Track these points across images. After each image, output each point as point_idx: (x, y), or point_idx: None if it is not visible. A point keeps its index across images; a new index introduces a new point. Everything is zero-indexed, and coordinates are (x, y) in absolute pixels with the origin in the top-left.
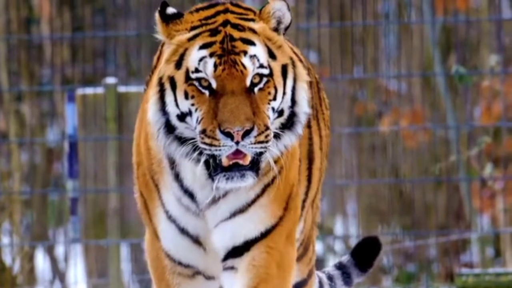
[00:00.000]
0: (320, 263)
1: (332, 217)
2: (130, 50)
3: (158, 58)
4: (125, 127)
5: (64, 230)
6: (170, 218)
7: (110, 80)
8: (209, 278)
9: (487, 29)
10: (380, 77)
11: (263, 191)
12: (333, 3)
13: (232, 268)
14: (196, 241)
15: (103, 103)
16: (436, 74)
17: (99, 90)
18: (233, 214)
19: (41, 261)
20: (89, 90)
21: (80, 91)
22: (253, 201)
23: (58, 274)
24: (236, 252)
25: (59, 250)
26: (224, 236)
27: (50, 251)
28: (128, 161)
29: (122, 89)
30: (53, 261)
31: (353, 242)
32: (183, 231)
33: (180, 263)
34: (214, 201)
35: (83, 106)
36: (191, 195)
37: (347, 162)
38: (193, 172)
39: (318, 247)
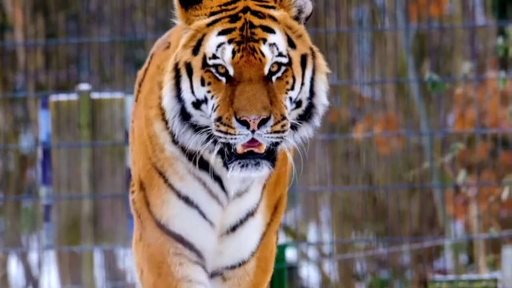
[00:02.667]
0: (294, 270)
1: (306, 223)
2: (104, 57)
3: (146, 70)
4: (98, 133)
5: (38, 236)
6: (192, 204)
7: (84, 86)
8: (205, 269)
9: (460, 36)
10: (354, 83)
11: (261, 195)
12: None
13: (221, 275)
14: (213, 226)
15: (77, 110)
16: (409, 81)
17: (73, 96)
18: (246, 217)
19: (15, 268)
20: (62, 97)
21: (53, 98)
22: (258, 205)
23: (32, 280)
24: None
25: (33, 257)
26: (235, 247)
27: (23, 257)
28: (102, 167)
29: (95, 95)
30: (27, 267)
31: (326, 249)
32: (204, 216)
33: (191, 247)
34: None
35: (57, 112)
36: (220, 183)
37: (320, 169)
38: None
39: (292, 253)
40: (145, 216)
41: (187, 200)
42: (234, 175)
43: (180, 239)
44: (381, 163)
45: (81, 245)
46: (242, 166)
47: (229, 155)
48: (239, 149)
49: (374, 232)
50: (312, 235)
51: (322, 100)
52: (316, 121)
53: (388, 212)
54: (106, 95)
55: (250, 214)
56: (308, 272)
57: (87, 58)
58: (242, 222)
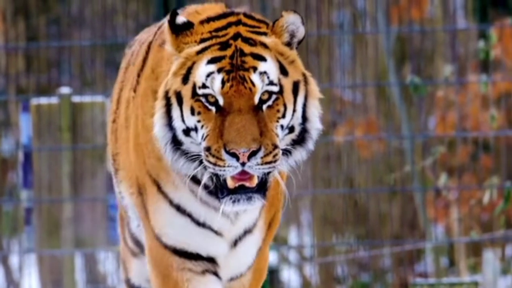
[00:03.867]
0: (274, 273)
1: (286, 227)
2: (85, 60)
3: (144, 60)
4: (79, 137)
5: (19, 240)
6: (184, 212)
7: (65, 90)
8: (218, 276)
9: (441, 39)
10: (335, 87)
11: (260, 214)
12: None
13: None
14: (215, 232)
15: (58, 113)
16: (390, 84)
17: (54, 100)
18: (244, 234)
19: None
20: (43, 100)
21: (34, 101)
22: (257, 220)
23: (12, 284)
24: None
25: (13, 260)
26: (235, 262)
27: (4, 261)
28: (83, 171)
29: (76, 99)
30: (7, 271)
31: (307, 252)
32: (199, 223)
33: (191, 257)
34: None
35: (38, 116)
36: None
37: (301, 172)
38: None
39: (272, 257)
40: (146, 223)
41: (178, 208)
42: (226, 210)
43: (180, 250)
44: (362, 167)
45: (62, 249)
46: (234, 201)
47: (220, 189)
48: (230, 184)
49: (355, 235)
50: (293, 239)
51: (315, 125)
52: (310, 144)
53: (369, 215)
54: (87, 99)
55: (248, 231)
56: (289, 276)
57: (68, 61)
58: (241, 238)
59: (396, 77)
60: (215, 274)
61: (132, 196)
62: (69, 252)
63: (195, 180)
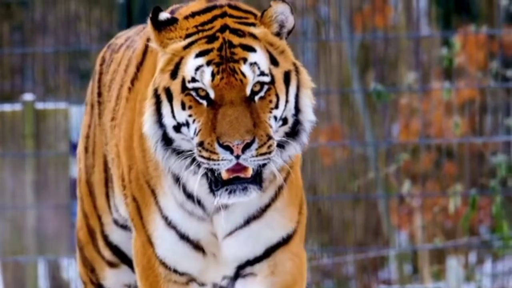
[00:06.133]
0: None
1: None
2: (48, 67)
3: (143, 58)
4: (43, 143)
5: None
6: (170, 224)
7: (28, 96)
8: (202, 285)
9: (405, 46)
10: None
11: (276, 194)
12: None
13: (250, 274)
14: (196, 246)
15: (21, 120)
16: (354, 91)
17: (17, 106)
18: (247, 221)
19: None
20: (7, 107)
21: None
22: (268, 205)
23: None
24: (255, 260)
25: None
26: (242, 246)
27: None
28: (46, 178)
29: (40, 105)
30: None
31: None
32: (183, 237)
33: (175, 271)
34: (226, 206)
35: (1, 122)
36: (196, 200)
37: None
38: (195, 178)
39: None
40: (139, 228)
41: (168, 222)
42: (222, 202)
43: (167, 264)
44: (325, 174)
45: (25, 255)
46: (230, 193)
47: (214, 181)
48: (225, 175)
49: (318, 243)
50: None
51: (308, 117)
52: (304, 138)
53: (332, 222)
54: (50, 105)
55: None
56: None
57: (31, 68)
58: (249, 222)
59: (359, 84)
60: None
61: (125, 200)
62: (32, 259)
63: (191, 196)
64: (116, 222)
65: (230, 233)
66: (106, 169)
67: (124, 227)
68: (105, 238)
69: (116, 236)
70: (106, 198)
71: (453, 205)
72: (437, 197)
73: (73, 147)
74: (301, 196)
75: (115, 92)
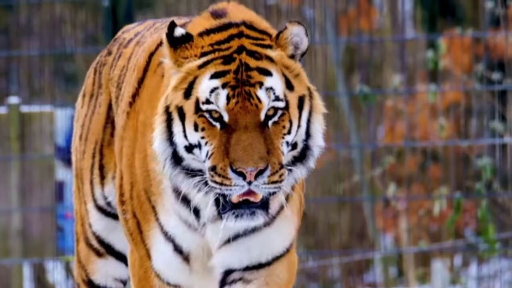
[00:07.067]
0: None
1: None
2: (33, 70)
3: (145, 71)
4: (28, 146)
5: None
6: (169, 238)
7: (13, 99)
8: None
9: (390, 49)
10: None
11: (277, 211)
12: None
13: (239, 280)
14: (186, 259)
15: (6, 123)
16: (339, 94)
17: (2, 110)
18: (244, 233)
19: None
20: None
21: None
22: (278, 213)
23: None
24: (254, 267)
25: None
26: (245, 253)
27: None
28: (31, 181)
29: (25, 108)
30: None
31: None
32: (176, 249)
33: (168, 283)
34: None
35: None
36: (196, 213)
37: None
38: (202, 196)
39: None
40: (137, 243)
41: (168, 236)
42: (229, 225)
43: (161, 277)
44: (310, 176)
45: (11, 258)
46: (237, 216)
47: (223, 204)
48: (235, 199)
49: (304, 246)
50: None
51: (318, 142)
52: (311, 162)
53: (317, 225)
54: (35, 108)
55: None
56: None
57: (17, 71)
58: (257, 229)
59: (345, 87)
60: None
61: (125, 216)
62: (18, 262)
63: (186, 201)
64: (102, 209)
65: (225, 243)
66: (94, 155)
67: (108, 214)
68: (90, 226)
69: (99, 226)
70: (90, 184)
71: (438, 208)
72: (422, 200)
73: (59, 150)
74: (301, 202)
75: (126, 91)
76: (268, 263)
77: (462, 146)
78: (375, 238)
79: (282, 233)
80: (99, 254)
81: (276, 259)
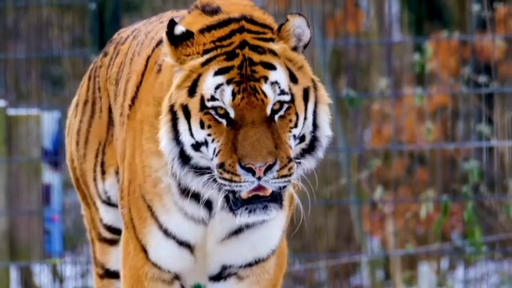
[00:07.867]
0: None
1: None
2: (20, 73)
3: (147, 64)
4: (15, 150)
5: None
6: (170, 235)
7: (0, 103)
8: (183, 286)
9: (377, 52)
10: None
11: None
12: None
13: (234, 275)
14: (192, 250)
15: None
16: None
17: None
18: (241, 229)
19: None
20: None
21: None
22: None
23: None
24: (244, 265)
25: None
26: (247, 246)
27: None
28: (18, 184)
29: (11, 111)
30: None
31: None
32: (181, 244)
33: (169, 271)
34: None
35: None
36: (208, 205)
37: None
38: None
39: None
40: (131, 235)
41: (168, 233)
42: (242, 221)
43: (162, 267)
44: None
45: None
46: (250, 212)
47: (234, 200)
48: (244, 195)
49: (290, 249)
50: None
51: (325, 132)
52: (320, 153)
53: (304, 228)
54: (22, 112)
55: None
56: None
57: (3, 74)
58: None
59: (331, 90)
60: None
61: (121, 207)
62: (4, 265)
63: (196, 197)
64: (106, 202)
65: (225, 237)
66: (97, 154)
67: (114, 205)
68: (101, 221)
69: (109, 216)
70: (94, 181)
71: (425, 211)
72: (409, 203)
73: (46, 153)
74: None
75: (122, 86)
76: (257, 262)
77: (449, 149)
78: (362, 241)
79: (281, 226)
80: (112, 243)
81: (264, 259)
